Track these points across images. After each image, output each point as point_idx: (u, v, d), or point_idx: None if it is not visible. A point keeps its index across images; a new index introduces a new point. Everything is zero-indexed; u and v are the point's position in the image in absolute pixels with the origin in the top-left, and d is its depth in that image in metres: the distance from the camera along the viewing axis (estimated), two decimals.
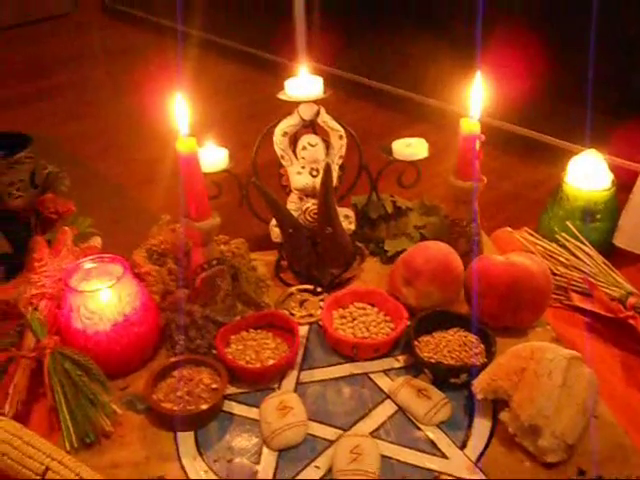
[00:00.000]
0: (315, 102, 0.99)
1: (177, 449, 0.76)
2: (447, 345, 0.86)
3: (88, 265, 0.89)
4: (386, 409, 0.81)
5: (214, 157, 0.98)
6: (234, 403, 0.82)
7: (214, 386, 0.81)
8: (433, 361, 0.84)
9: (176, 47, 2.05)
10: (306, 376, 0.86)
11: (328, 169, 0.90)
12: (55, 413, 0.78)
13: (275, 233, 1.02)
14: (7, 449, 0.70)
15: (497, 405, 0.79)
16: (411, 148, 1.00)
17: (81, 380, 0.79)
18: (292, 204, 1.03)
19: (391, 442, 0.76)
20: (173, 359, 0.85)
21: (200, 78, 1.80)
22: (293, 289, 1.01)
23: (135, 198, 1.34)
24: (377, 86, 1.76)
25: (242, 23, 2.12)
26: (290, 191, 1.03)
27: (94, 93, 1.95)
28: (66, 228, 1.00)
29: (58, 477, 0.69)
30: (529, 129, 1.46)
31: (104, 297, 0.83)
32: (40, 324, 0.84)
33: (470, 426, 0.78)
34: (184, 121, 0.84)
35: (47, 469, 0.69)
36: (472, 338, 0.87)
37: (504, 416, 0.75)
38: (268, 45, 2.00)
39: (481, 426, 0.78)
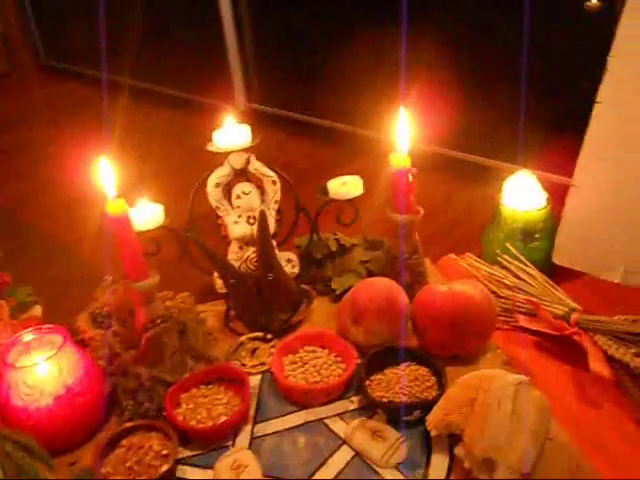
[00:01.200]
0: (246, 150, 0.99)
1: None
2: (398, 382, 0.85)
3: (27, 338, 0.86)
4: (343, 455, 0.79)
5: (149, 214, 0.96)
6: (187, 467, 0.80)
7: (164, 452, 0.79)
8: (385, 400, 0.83)
9: (112, 99, 2.04)
10: (260, 429, 0.84)
11: (263, 216, 0.90)
12: None
13: (218, 284, 1.01)
14: None
15: (454, 439, 0.78)
16: (346, 186, 1.00)
17: (24, 462, 0.75)
18: (233, 254, 1.02)
19: None
20: (121, 427, 0.83)
21: (135, 128, 1.80)
22: (243, 338, 1.00)
23: (78, 258, 1.32)
24: (317, 122, 1.77)
25: (176, 69, 2.12)
26: (230, 241, 1.03)
27: (34, 153, 1.92)
28: (1, 302, 0.97)
29: None
30: (466, 153, 1.49)
31: (43, 370, 0.80)
32: None
33: (428, 464, 0.77)
34: (111, 184, 0.82)
35: None
36: (423, 371, 0.87)
37: (459, 451, 0.75)
38: (204, 89, 2.00)
39: (439, 462, 0.77)
